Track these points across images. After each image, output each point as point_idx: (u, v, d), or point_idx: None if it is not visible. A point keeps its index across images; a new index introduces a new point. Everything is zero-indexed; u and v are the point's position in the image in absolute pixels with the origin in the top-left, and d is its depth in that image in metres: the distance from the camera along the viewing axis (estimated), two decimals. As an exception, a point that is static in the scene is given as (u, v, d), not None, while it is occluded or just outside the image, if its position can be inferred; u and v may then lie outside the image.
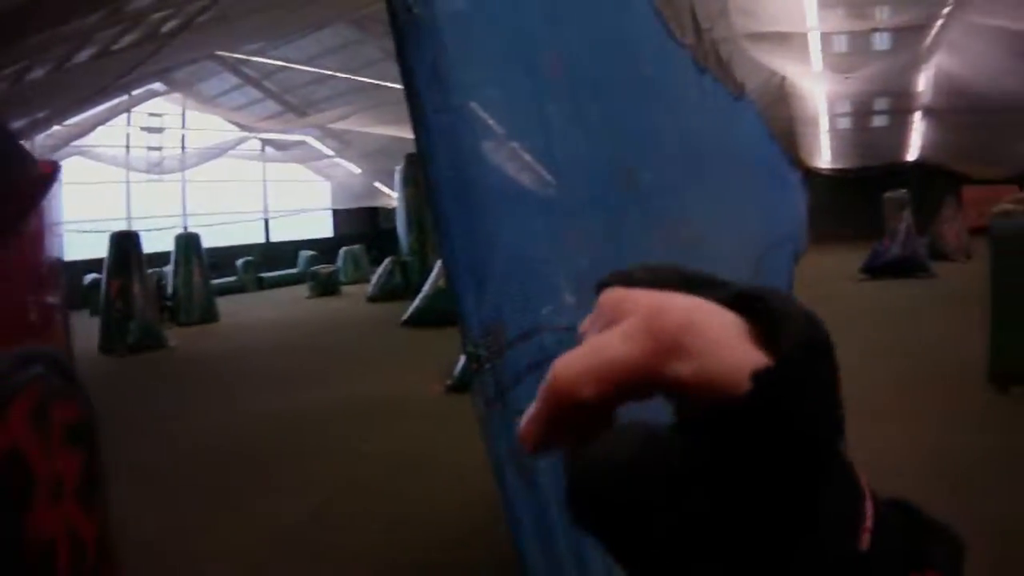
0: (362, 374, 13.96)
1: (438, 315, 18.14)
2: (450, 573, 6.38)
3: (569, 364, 0.55)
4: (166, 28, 15.82)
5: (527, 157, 2.95)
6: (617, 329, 0.56)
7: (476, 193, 2.58)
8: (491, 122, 2.66)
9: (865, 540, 0.59)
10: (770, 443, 0.54)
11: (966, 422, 8.79)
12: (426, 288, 19.90)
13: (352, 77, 33.58)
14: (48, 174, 2.72)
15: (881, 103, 43.28)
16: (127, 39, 15.86)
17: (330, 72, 33.94)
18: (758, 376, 0.53)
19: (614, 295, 0.61)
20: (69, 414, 2.45)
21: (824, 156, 46.65)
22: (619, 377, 0.55)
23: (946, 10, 28.75)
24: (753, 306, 0.59)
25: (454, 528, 6.98)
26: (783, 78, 35.77)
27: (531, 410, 0.58)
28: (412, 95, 2.42)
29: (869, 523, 0.60)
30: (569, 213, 3.31)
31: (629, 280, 0.64)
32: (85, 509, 2.49)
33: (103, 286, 20.76)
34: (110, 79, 18.72)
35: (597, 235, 3.64)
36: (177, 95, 32.12)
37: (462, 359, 11.52)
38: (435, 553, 6.55)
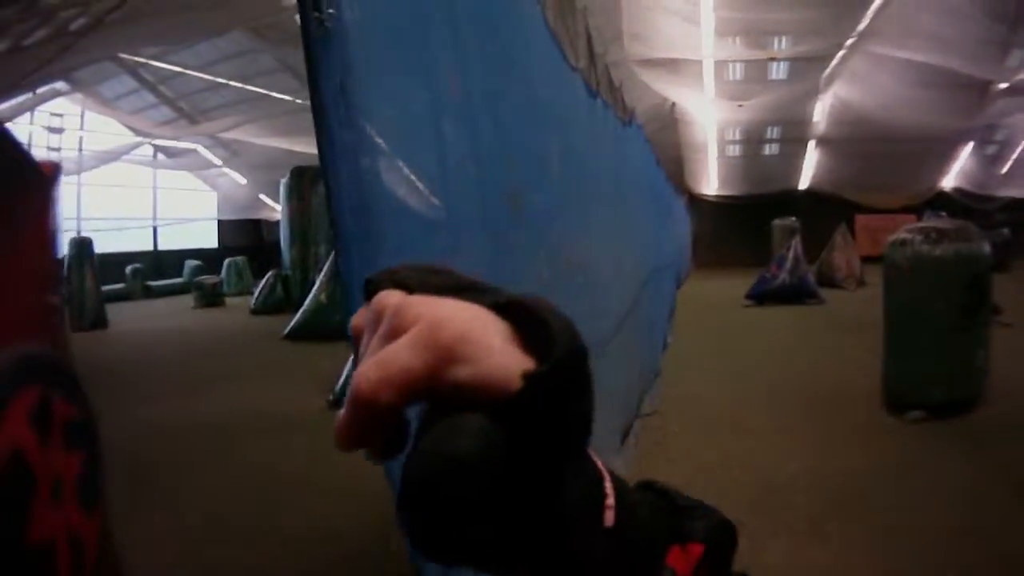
0: (246, 387, 13.75)
1: (319, 330, 18.32)
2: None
3: (368, 375, 0.63)
4: (75, 26, 15.67)
5: (418, 179, 2.96)
6: (403, 340, 0.64)
7: (371, 212, 2.58)
8: (384, 141, 2.66)
9: (609, 517, 0.69)
10: (535, 434, 0.62)
11: (863, 444, 8.96)
12: (307, 302, 19.82)
13: (245, 87, 33.29)
14: (49, 175, 2.71)
15: (774, 131, 43.78)
16: (39, 35, 15.67)
17: (224, 80, 33.56)
18: (528, 377, 0.62)
19: (391, 300, 0.70)
20: (69, 414, 2.43)
21: (712, 183, 46.99)
22: (410, 384, 0.63)
23: (849, 41, 29.23)
24: (518, 312, 0.67)
25: (348, 545, 6.88)
26: (673, 104, 36.00)
27: (341, 415, 0.66)
28: (318, 108, 2.41)
29: (611, 501, 0.70)
30: (457, 235, 3.32)
31: (397, 281, 0.74)
32: (85, 509, 2.48)
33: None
34: (19, 76, 18.49)
35: (484, 258, 3.66)
36: (78, 95, 31.61)
37: (343, 375, 11.51)
38: (334, 570, 6.50)
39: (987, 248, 10.05)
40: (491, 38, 4.22)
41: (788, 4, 27.91)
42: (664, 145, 32.82)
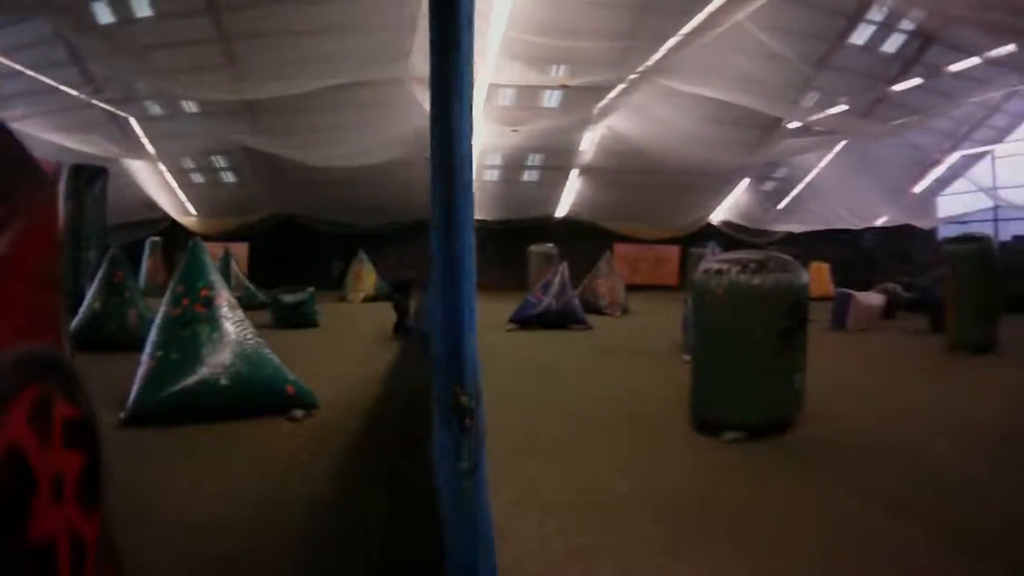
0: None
1: (94, 339, 17.58)
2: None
3: None
4: None
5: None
6: None
7: (467, 158, 2.31)
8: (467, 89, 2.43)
9: None
10: None
11: (686, 464, 9.03)
12: (82, 311, 18.60)
13: (38, 77, 32.42)
14: (49, 174, 2.66)
15: (536, 158, 44.33)
16: None
17: (20, 68, 32.51)
18: None
19: None
20: (69, 413, 2.45)
21: (464, 206, 47.43)
22: None
23: (633, 76, 29.74)
24: None
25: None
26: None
27: None
28: (447, 34, 2.08)
29: None
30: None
31: None
32: (85, 509, 2.48)
33: None
34: None
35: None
36: None
37: (134, 389, 10.83)
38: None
39: (805, 277, 10.41)
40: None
41: (584, 33, 28.33)
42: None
